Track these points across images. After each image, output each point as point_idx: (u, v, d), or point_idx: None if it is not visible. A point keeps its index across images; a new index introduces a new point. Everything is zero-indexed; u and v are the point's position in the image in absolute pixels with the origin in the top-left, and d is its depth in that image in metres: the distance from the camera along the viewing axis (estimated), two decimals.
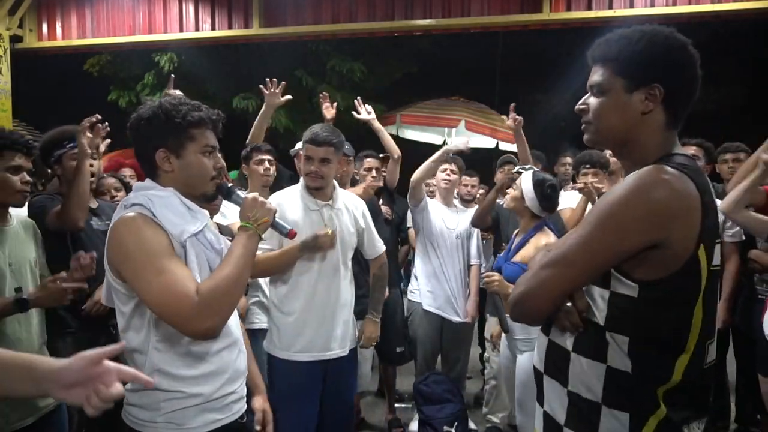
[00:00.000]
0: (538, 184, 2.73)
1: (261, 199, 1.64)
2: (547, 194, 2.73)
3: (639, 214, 1.17)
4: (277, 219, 1.70)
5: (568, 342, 1.30)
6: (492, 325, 3.50)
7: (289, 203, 2.50)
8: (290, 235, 1.76)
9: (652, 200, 1.17)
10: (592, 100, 1.34)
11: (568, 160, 4.74)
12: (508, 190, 2.88)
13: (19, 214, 2.28)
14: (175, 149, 1.59)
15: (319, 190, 2.53)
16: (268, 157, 3.35)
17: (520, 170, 2.84)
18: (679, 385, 1.22)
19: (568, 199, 3.60)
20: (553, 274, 1.26)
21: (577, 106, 1.38)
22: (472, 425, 3.75)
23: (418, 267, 3.85)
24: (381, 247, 2.78)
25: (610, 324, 1.23)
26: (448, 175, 3.80)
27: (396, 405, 4.09)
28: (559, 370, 1.32)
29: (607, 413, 1.23)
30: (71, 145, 2.53)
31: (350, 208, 2.64)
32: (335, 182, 2.64)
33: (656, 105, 1.26)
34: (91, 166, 2.53)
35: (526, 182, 2.75)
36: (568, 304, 1.28)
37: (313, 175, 2.47)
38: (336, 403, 2.56)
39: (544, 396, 1.37)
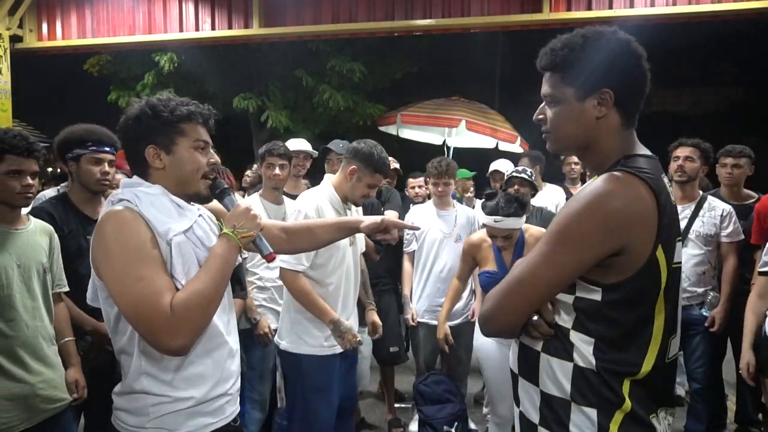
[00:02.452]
0: None
1: (253, 212, 1.56)
2: None
3: (597, 226, 1.19)
4: (261, 237, 1.60)
5: (537, 344, 1.32)
6: None
7: (325, 206, 2.67)
8: (269, 258, 1.61)
9: (607, 211, 1.19)
10: (548, 110, 1.36)
11: (575, 159, 4.74)
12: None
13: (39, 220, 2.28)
14: (166, 145, 1.53)
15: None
16: (281, 162, 3.32)
17: None
18: (644, 378, 1.25)
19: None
20: (520, 292, 1.28)
21: (535, 116, 1.40)
22: (472, 425, 3.75)
23: (419, 272, 3.81)
24: (362, 246, 2.98)
25: (576, 326, 1.26)
26: (441, 189, 3.76)
27: (396, 405, 4.08)
28: (531, 371, 1.34)
29: (576, 410, 1.26)
30: (94, 148, 2.45)
31: (358, 213, 2.87)
32: None
33: (609, 109, 1.28)
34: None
35: None
36: (535, 318, 1.30)
37: (366, 196, 2.74)
38: (347, 392, 2.76)
39: (519, 397, 1.39)
